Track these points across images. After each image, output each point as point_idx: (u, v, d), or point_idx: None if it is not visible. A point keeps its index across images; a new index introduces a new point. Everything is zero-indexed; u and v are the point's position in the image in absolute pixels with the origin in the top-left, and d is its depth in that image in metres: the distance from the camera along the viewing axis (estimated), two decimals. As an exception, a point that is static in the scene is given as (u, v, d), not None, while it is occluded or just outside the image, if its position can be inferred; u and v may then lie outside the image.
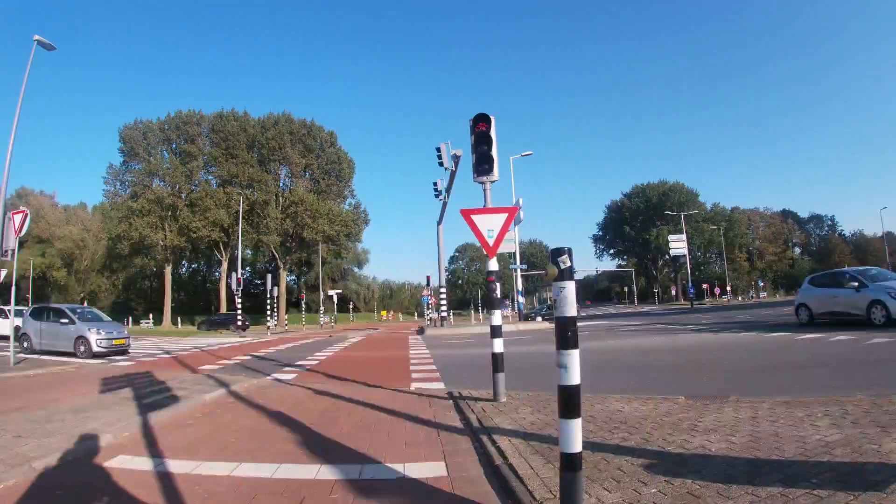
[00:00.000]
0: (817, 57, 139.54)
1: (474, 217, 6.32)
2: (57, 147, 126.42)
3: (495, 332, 6.26)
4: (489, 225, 6.29)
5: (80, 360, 14.51)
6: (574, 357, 2.68)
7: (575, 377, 2.66)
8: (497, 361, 6.20)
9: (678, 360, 10.75)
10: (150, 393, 7.92)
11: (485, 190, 6.61)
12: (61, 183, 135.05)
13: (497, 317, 6.32)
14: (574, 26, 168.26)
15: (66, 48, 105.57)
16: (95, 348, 15.21)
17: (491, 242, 6.24)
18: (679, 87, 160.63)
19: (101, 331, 15.68)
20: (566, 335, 2.68)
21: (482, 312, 57.44)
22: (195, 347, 20.19)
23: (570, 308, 2.71)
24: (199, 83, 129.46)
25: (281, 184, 63.54)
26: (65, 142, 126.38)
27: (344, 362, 13.26)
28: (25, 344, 16.52)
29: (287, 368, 11.80)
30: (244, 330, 35.38)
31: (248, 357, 15.14)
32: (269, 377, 10.26)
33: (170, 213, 56.75)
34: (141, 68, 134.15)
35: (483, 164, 6.57)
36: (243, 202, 54.83)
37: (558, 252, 2.69)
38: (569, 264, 2.68)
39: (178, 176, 56.98)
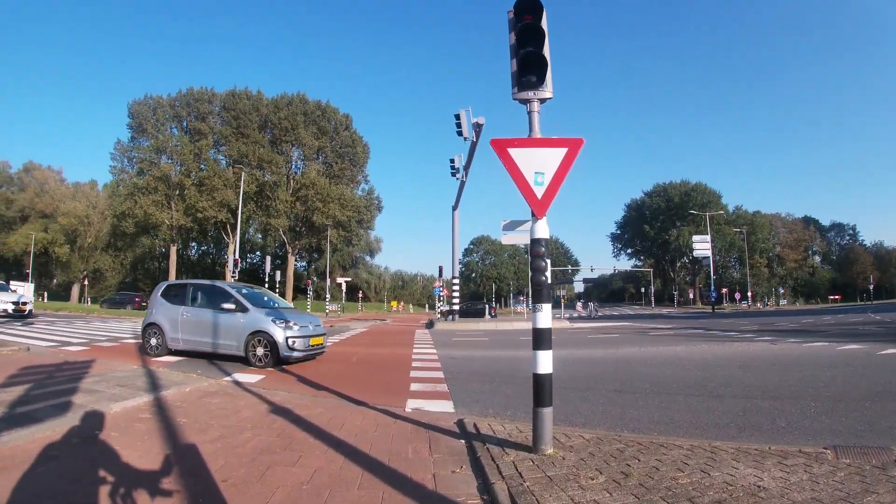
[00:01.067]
0: (848, 63, 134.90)
1: (513, 152, 3.94)
2: (70, 124, 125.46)
3: (540, 340, 3.84)
4: (537, 164, 3.91)
5: (28, 342, 12.02)
6: None
7: None
8: (543, 389, 3.80)
9: (754, 378, 8.25)
10: (42, 396, 5.63)
11: (530, 112, 4.19)
12: (77, 162, 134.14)
13: (544, 315, 3.89)
14: (597, 21, 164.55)
15: (83, 21, 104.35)
16: (285, 352, 9.44)
17: (539, 193, 3.87)
18: (702, 87, 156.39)
19: (293, 324, 9.76)
20: None
21: (496, 307, 55.16)
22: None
23: None
24: (213, 60, 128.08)
25: (293, 166, 61.42)
26: (79, 119, 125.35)
27: (332, 360, 10.94)
28: (154, 340, 10.59)
29: (258, 366, 9.48)
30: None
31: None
32: (228, 377, 8.00)
33: (177, 191, 54.77)
34: (156, 44, 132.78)
35: (528, 72, 4.17)
36: (252, 183, 52.98)
37: None
38: None
39: (186, 154, 54.86)
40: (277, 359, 9.34)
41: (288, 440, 4.40)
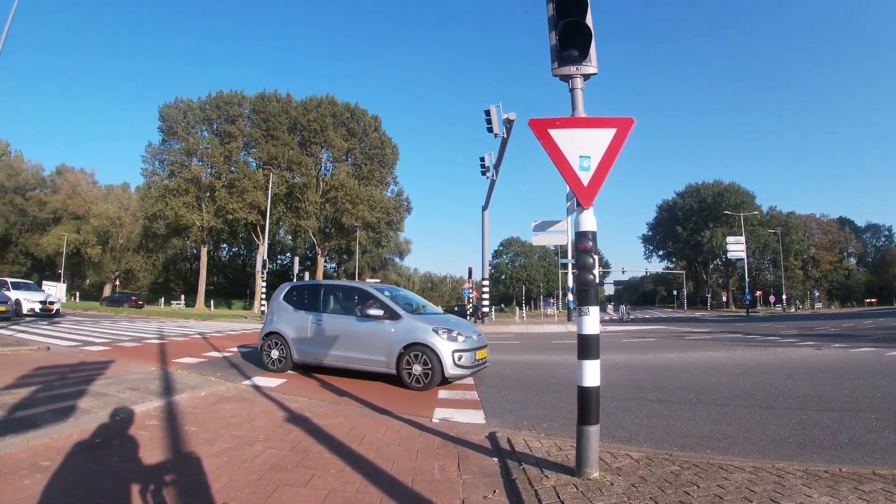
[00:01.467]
0: (885, 61, 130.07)
1: (555, 133, 3.46)
2: (102, 128, 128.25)
3: (587, 347, 3.35)
4: (582, 147, 3.42)
5: (50, 342, 11.87)
6: None
7: None
8: (589, 404, 3.32)
9: (805, 386, 7.53)
10: (47, 399, 5.34)
11: (573, 90, 3.71)
12: (110, 165, 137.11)
13: (591, 319, 3.37)
14: (623, 20, 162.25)
15: (114, 26, 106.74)
16: (451, 370, 7.47)
17: (586, 179, 3.39)
18: (736, 86, 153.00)
19: (456, 335, 7.82)
20: None
21: (525, 309, 54.40)
22: (199, 333, 17.79)
23: None
24: (243, 64, 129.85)
25: (322, 168, 61.58)
26: (111, 123, 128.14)
27: (357, 363, 10.54)
28: (276, 353, 8.89)
29: (280, 369, 9.14)
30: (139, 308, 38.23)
31: (246, 349, 12.59)
32: (247, 381, 7.67)
33: (207, 193, 55.37)
34: (186, 48, 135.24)
35: (570, 45, 3.70)
36: (282, 185, 53.29)
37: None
38: None
39: (216, 156, 55.43)
40: (441, 378, 7.43)
41: (302, 455, 3.99)
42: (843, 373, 8.98)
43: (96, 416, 4.75)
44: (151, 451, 3.96)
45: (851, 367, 9.67)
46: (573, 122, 3.53)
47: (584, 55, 3.72)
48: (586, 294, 3.34)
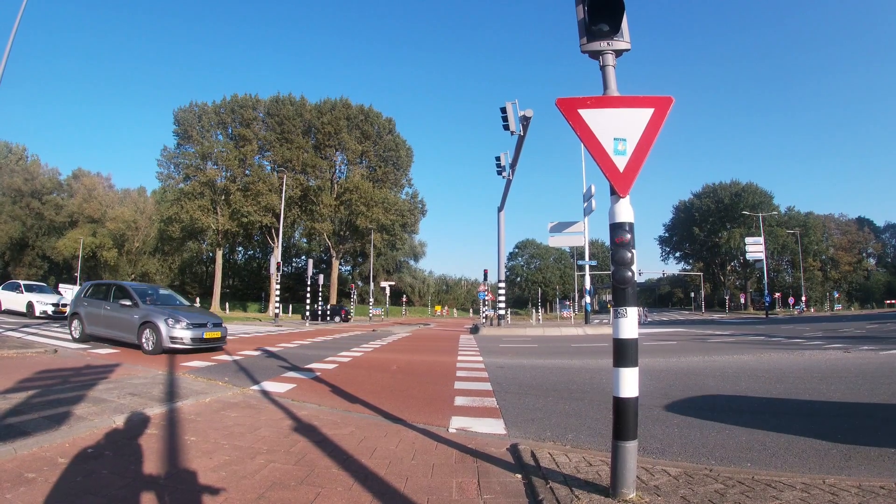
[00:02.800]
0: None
1: (586, 114, 3.11)
2: (118, 132, 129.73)
3: (625, 353, 2.98)
4: (617, 128, 3.07)
5: (57, 344, 11.77)
6: None
7: None
8: (627, 417, 2.95)
9: (841, 391, 7.02)
10: (43, 405, 5.07)
11: (604, 67, 3.35)
12: (126, 169, 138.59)
13: (629, 322, 2.99)
14: (639, 20, 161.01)
15: (129, 32, 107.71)
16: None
17: (621, 164, 3.03)
18: (751, 85, 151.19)
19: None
20: None
21: (542, 312, 53.88)
22: (211, 336, 17.61)
23: None
24: (256, 67, 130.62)
25: (336, 171, 61.58)
26: (127, 127, 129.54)
27: (371, 368, 10.22)
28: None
29: (290, 374, 8.84)
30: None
31: (257, 352, 12.34)
32: (255, 386, 7.37)
33: (222, 196, 55.57)
34: (200, 52, 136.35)
35: (600, 19, 3.35)
36: (297, 188, 53.33)
37: None
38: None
39: (231, 160, 55.62)
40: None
41: (307, 469, 3.66)
42: (877, 377, 8.49)
43: (91, 424, 4.47)
44: (145, 464, 3.66)
45: (885, 371, 9.17)
46: (606, 102, 3.17)
47: (615, 29, 3.36)
48: (623, 293, 2.96)
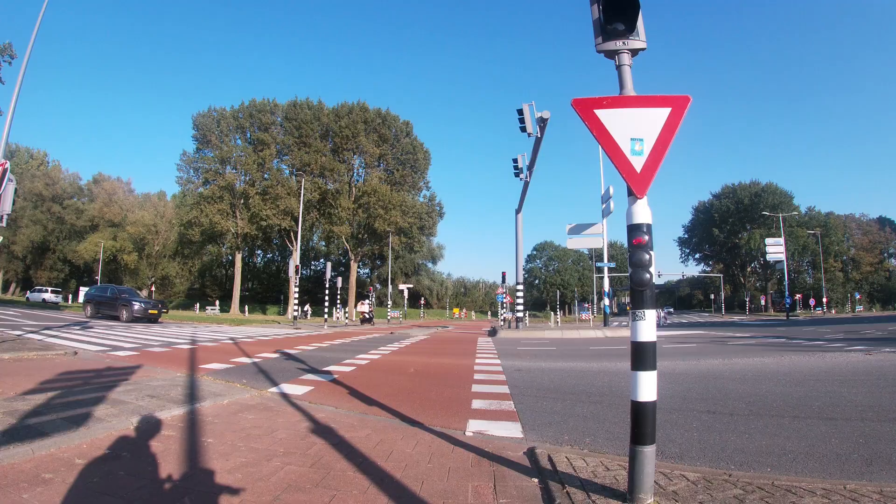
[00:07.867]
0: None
1: (602, 114, 3.08)
2: (138, 138, 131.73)
3: (642, 356, 2.94)
4: (634, 128, 3.03)
5: (78, 346, 11.93)
6: None
7: None
8: (645, 422, 2.90)
9: (862, 395, 6.83)
10: (63, 406, 5.14)
11: (619, 66, 3.32)
12: (146, 174, 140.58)
13: (647, 325, 2.96)
14: (657, 21, 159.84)
15: (149, 39, 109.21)
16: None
17: (638, 164, 2.99)
18: (770, 84, 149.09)
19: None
20: None
21: (560, 314, 53.59)
22: (230, 338, 17.76)
23: None
24: (274, 72, 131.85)
25: (354, 174, 61.86)
26: (147, 132, 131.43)
27: (388, 371, 10.22)
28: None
29: (308, 377, 8.87)
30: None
31: (276, 355, 12.41)
32: (273, 389, 7.40)
33: (241, 200, 56.16)
34: (219, 58, 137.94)
35: (615, 18, 3.31)
36: (315, 191, 53.67)
37: None
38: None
39: (250, 164, 56.19)
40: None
41: (323, 472, 3.66)
42: (903, 380, 8.31)
43: (109, 426, 4.51)
44: (162, 466, 3.69)
45: (909, 374, 8.98)
46: (622, 102, 3.13)
47: (630, 29, 3.33)
48: (641, 295, 2.92)
